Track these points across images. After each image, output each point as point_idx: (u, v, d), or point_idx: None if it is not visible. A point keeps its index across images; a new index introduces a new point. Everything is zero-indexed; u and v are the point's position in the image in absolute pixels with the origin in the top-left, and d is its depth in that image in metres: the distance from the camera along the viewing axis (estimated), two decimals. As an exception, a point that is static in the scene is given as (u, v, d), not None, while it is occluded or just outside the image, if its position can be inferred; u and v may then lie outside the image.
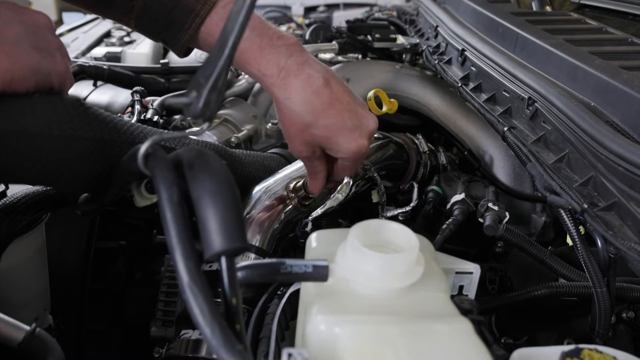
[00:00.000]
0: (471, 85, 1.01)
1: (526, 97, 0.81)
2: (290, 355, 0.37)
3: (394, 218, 0.86)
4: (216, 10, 0.69)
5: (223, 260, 0.41)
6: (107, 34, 1.81)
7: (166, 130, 1.03)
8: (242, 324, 0.41)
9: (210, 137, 1.05)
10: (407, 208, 0.87)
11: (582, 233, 0.67)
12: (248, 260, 0.72)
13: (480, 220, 0.82)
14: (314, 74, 0.67)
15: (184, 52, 0.75)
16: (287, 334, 0.59)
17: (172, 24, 0.71)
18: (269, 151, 1.01)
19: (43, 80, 0.55)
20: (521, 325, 0.89)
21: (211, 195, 0.41)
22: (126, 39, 1.73)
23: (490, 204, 0.82)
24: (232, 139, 1.06)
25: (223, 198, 0.41)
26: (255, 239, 0.74)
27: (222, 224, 0.40)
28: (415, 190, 0.93)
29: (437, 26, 1.31)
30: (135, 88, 1.10)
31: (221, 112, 1.16)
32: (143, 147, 0.44)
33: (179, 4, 0.69)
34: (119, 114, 1.07)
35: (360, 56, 1.46)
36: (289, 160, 0.93)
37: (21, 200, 0.69)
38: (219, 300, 0.41)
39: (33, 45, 0.55)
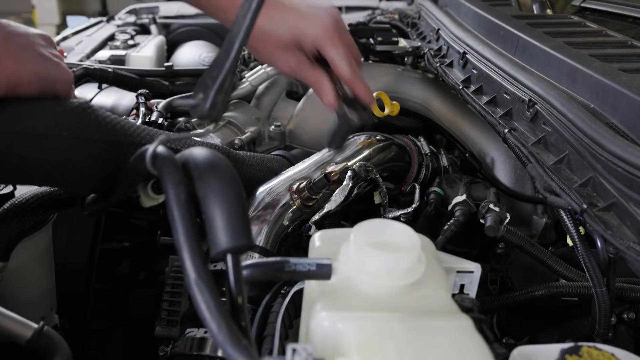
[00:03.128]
0: (472, 87, 1.02)
1: (527, 99, 0.82)
2: (294, 350, 0.37)
3: (396, 219, 0.87)
4: None
5: (229, 257, 0.42)
6: (111, 37, 1.82)
7: (172, 132, 1.04)
8: (247, 321, 0.41)
9: (213, 139, 1.06)
10: (409, 209, 0.88)
11: (582, 234, 0.68)
12: (252, 260, 0.73)
13: (482, 221, 0.83)
14: None
15: None
16: (291, 333, 0.60)
17: None
18: (272, 153, 1.02)
19: (47, 86, 0.57)
20: (522, 326, 0.90)
21: (217, 193, 0.42)
22: (130, 42, 1.74)
23: (491, 205, 0.83)
24: (236, 141, 1.07)
25: (229, 196, 0.42)
26: (259, 240, 0.75)
27: (228, 222, 0.41)
28: (417, 191, 0.94)
29: (438, 29, 1.32)
30: (140, 91, 1.11)
31: (225, 114, 1.17)
32: (151, 148, 0.45)
33: None
34: (124, 116, 1.08)
35: (362, 59, 1.47)
36: (292, 162, 0.94)
37: (29, 201, 0.70)
38: (224, 299, 0.42)
39: (39, 53, 0.57)
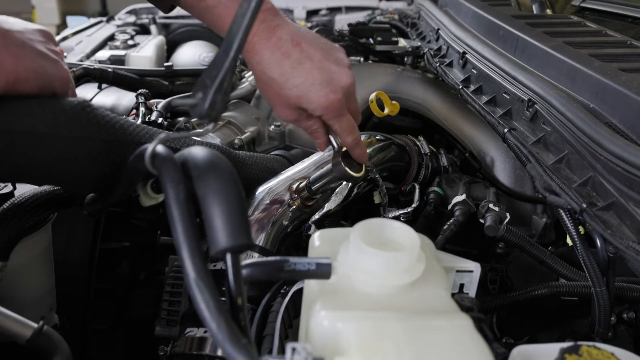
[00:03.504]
0: (472, 87, 1.02)
1: (526, 99, 0.82)
2: (294, 349, 0.37)
3: (396, 219, 0.87)
4: None
5: (228, 257, 0.41)
6: (111, 37, 1.82)
7: (171, 132, 1.04)
8: (246, 320, 0.41)
9: (213, 139, 1.06)
10: (409, 209, 0.88)
11: (582, 233, 0.68)
12: (251, 259, 0.73)
13: (481, 221, 0.83)
14: (283, 36, 0.68)
15: (168, 9, 0.80)
16: (291, 332, 0.60)
17: None
18: (272, 153, 1.02)
19: (46, 84, 0.57)
20: (522, 325, 0.90)
21: (216, 193, 0.42)
22: (130, 42, 1.74)
23: (491, 205, 0.83)
24: (236, 141, 1.07)
25: (228, 196, 0.42)
26: (258, 239, 0.75)
27: (227, 222, 0.41)
28: (417, 191, 0.94)
29: (438, 29, 1.32)
30: (140, 90, 1.11)
31: (224, 114, 1.17)
32: (150, 147, 0.45)
33: None
34: (124, 116, 1.08)
35: (362, 59, 1.48)
36: (292, 162, 0.94)
37: (29, 200, 0.70)
38: (224, 299, 0.42)
39: (38, 51, 0.57)
